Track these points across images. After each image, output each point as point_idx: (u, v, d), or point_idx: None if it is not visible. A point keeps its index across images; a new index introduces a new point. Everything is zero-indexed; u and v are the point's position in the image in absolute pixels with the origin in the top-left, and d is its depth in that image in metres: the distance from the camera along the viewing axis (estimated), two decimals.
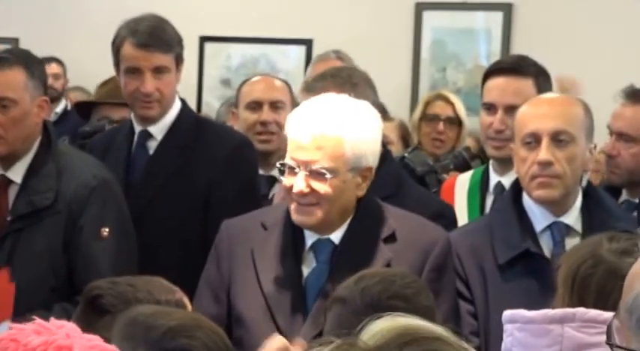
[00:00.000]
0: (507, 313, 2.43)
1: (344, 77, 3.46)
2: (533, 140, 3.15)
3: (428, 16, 7.21)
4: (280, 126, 4.24)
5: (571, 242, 3.13)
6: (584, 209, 3.22)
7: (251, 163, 3.92)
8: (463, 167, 4.45)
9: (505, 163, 3.63)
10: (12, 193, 3.54)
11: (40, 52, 3.87)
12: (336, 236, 2.97)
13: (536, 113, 3.20)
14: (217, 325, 2.21)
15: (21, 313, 2.12)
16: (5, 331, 1.88)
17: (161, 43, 3.79)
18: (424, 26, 7.23)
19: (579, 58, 6.22)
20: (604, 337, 1.70)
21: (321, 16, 7.35)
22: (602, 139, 4.12)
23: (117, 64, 3.88)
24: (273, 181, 4.24)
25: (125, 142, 3.92)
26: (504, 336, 2.43)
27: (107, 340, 1.95)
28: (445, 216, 3.44)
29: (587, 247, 2.51)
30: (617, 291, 1.69)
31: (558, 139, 3.15)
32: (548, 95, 3.42)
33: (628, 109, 3.98)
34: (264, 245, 3.00)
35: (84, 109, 4.99)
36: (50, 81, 7.28)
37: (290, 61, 7.49)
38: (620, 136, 3.95)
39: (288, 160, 2.91)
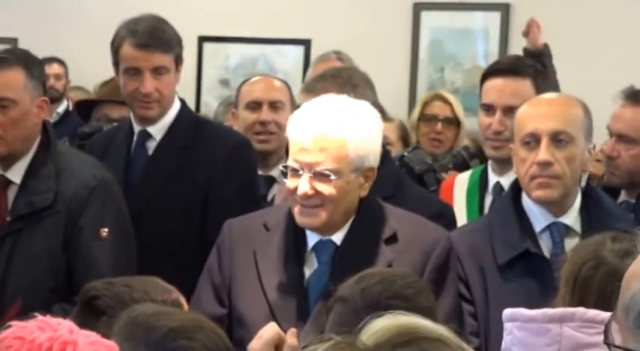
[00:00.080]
0: (507, 312, 2.43)
1: (344, 78, 3.46)
2: (533, 140, 3.16)
3: (426, 16, 7.21)
4: (279, 126, 4.25)
5: (570, 242, 3.13)
6: (583, 209, 3.23)
7: (250, 163, 3.92)
8: (462, 166, 4.45)
9: (504, 164, 3.64)
10: (11, 193, 3.53)
11: (39, 52, 3.86)
12: (337, 237, 2.97)
13: (536, 113, 3.21)
14: (218, 326, 2.21)
15: (20, 314, 2.12)
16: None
17: (161, 44, 3.80)
18: (422, 26, 7.23)
19: (577, 59, 6.22)
20: (602, 337, 1.71)
21: (319, 17, 7.35)
22: (601, 139, 4.13)
23: (116, 64, 3.88)
24: (272, 181, 4.24)
25: (124, 142, 3.92)
26: (504, 334, 2.44)
27: (105, 338, 1.96)
28: (445, 216, 3.45)
29: (590, 246, 2.52)
30: (618, 293, 1.69)
31: (557, 139, 3.15)
32: (547, 96, 3.42)
33: (628, 111, 3.97)
34: (266, 246, 3.00)
35: (84, 108, 4.99)
36: (52, 81, 7.32)
37: (288, 61, 7.49)
38: (620, 137, 3.95)
39: (291, 163, 2.91)
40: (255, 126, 4.29)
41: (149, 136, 3.88)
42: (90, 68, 6.89)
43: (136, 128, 3.90)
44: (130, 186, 3.82)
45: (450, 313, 2.94)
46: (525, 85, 3.71)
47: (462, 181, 3.93)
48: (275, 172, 4.21)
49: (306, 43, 7.39)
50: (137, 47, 3.78)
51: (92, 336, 1.87)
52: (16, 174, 3.54)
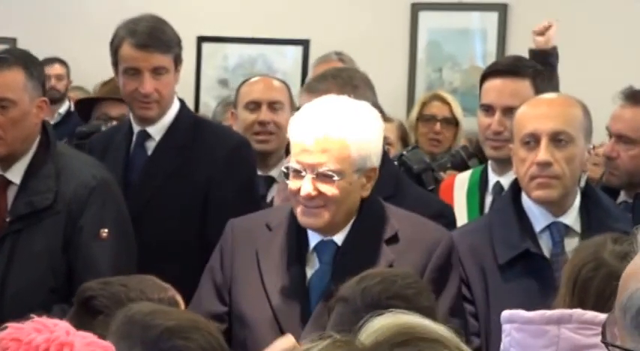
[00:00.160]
0: (506, 313, 2.44)
1: (345, 78, 3.47)
2: (532, 140, 3.16)
3: (424, 16, 7.22)
4: (279, 126, 4.25)
5: (570, 242, 3.14)
6: (583, 209, 3.23)
7: (250, 163, 3.92)
8: (461, 166, 4.45)
9: (504, 164, 3.64)
10: (11, 193, 3.53)
11: (38, 52, 3.86)
12: (338, 237, 2.97)
13: (535, 114, 3.21)
14: (218, 324, 2.21)
15: (20, 314, 2.11)
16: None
17: (160, 44, 3.80)
18: (420, 27, 7.24)
19: (575, 59, 6.21)
20: (600, 339, 1.71)
21: (317, 17, 7.36)
22: (600, 140, 4.13)
23: (115, 64, 3.88)
24: (271, 181, 4.24)
25: (124, 142, 3.92)
26: (503, 336, 2.44)
27: (102, 338, 1.96)
28: (445, 216, 3.45)
29: (590, 248, 2.52)
30: (616, 294, 1.70)
31: (557, 139, 3.16)
32: (547, 96, 3.42)
33: (627, 111, 3.97)
34: (268, 246, 3.00)
35: (84, 108, 4.99)
36: (53, 82, 7.32)
37: (287, 61, 7.50)
38: (619, 138, 3.94)
39: (293, 164, 2.91)
40: (254, 126, 4.29)
41: (148, 136, 3.88)
42: (90, 68, 6.90)
43: (136, 128, 3.90)
44: (130, 186, 3.82)
45: (453, 310, 2.94)
46: (525, 85, 3.71)
47: (462, 181, 3.93)
48: (274, 173, 4.21)
49: (305, 44, 7.40)
50: (136, 47, 3.78)
51: (89, 337, 1.87)
52: (15, 174, 3.53)
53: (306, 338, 2.71)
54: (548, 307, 2.45)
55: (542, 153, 3.13)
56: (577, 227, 3.21)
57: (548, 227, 3.20)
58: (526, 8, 6.93)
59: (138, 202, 3.75)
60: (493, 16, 7.06)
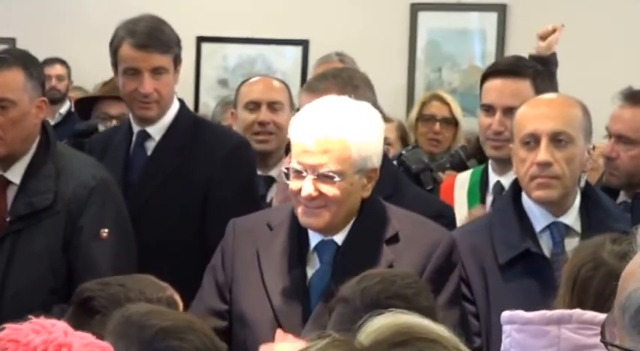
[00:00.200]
0: (506, 314, 2.44)
1: (345, 78, 3.46)
2: (532, 141, 3.16)
3: (423, 16, 7.23)
4: (278, 126, 4.26)
5: (570, 242, 3.14)
6: (583, 209, 3.24)
7: (249, 163, 3.92)
8: (459, 166, 4.46)
9: (504, 163, 3.64)
10: (11, 193, 3.53)
11: (37, 52, 3.86)
12: (339, 237, 2.97)
13: (535, 114, 3.21)
14: (218, 322, 2.21)
15: (20, 314, 2.11)
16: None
17: (159, 44, 3.80)
18: (419, 27, 7.24)
19: (574, 59, 6.21)
20: (600, 338, 1.72)
21: (317, 17, 7.36)
22: (600, 141, 4.12)
23: (115, 64, 3.88)
24: (271, 181, 4.24)
25: (123, 143, 3.92)
26: (503, 337, 2.44)
27: (100, 338, 1.96)
28: (444, 216, 3.45)
29: (589, 248, 2.52)
30: (615, 293, 1.70)
31: (557, 139, 3.16)
32: (546, 96, 3.42)
33: (626, 111, 3.96)
34: (269, 246, 3.00)
35: (84, 107, 4.99)
36: (54, 82, 7.32)
37: (286, 61, 7.51)
38: (619, 138, 3.94)
39: (294, 165, 2.91)
40: (253, 126, 4.29)
41: (148, 136, 3.88)
42: (89, 68, 6.90)
43: (135, 128, 3.90)
44: (129, 186, 3.82)
45: (452, 303, 2.93)
46: (525, 85, 3.71)
47: (462, 181, 3.93)
48: (274, 173, 4.21)
49: (304, 44, 7.40)
50: (136, 48, 3.78)
51: (87, 338, 1.87)
52: (15, 174, 3.53)
53: (305, 337, 2.72)
54: (549, 307, 2.45)
55: (542, 153, 3.13)
56: (577, 227, 3.21)
57: (549, 227, 3.20)
58: (525, 8, 6.93)
59: (137, 202, 3.75)
60: (492, 17, 7.07)
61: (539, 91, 3.66)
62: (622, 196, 4.02)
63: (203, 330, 2.19)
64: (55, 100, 7.13)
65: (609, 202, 3.46)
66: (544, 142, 3.14)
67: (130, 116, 3.94)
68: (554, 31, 4.31)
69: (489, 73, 3.81)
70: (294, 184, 2.92)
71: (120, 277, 2.62)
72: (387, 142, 4.08)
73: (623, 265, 1.71)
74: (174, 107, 3.90)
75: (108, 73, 4.24)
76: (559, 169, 3.15)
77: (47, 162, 3.53)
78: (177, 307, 2.52)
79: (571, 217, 3.22)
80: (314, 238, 2.98)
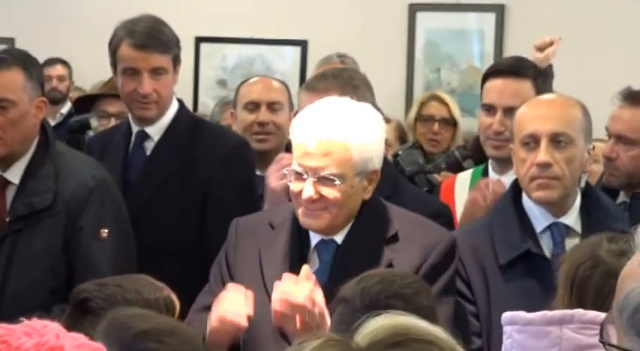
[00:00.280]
0: (506, 315, 2.44)
1: (345, 78, 3.46)
2: (532, 141, 3.17)
3: (421, 17, 7.23)
4: (278, 126, 4.26)
5: (571, 243, 3.14)
6: (583, 210, 3.24)
7: (249, 163, 3.92)
8: (455, 166, 4.46)
9: (504, 163, 3.64)
10: (10, 194, 3.52)
11: (36, 52, 3.85)
12: (339, 237, 2.98)
13: (535, 114, 3.21)
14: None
15: (20, 314, 2.11)
16: None
17: (159, 44, 3.79)
18: (418, 27, 7.25)
19: (573, 59, 6.22)
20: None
21: (316, 18, 7.36)
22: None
23: (114, 64, 3.88)
24: None
25: (122, 143, 3.92)
26: (504, 338, 2.44)
27: (92, 339, 1.95)
28: (443, 215, 3.45)
29: (587, 247, 2.52)
30: (615, 292, 1.70)
31: (557, 140, 3.16)
32: (546, 97, 3.43)
33: (626, 112, 3.96)
34: (270, 245, 3.01)
35: (83, 106, 4.99)
36: (55, 83, 7.32)
37: (285, 61, 7.51)
38: (618, 138, 3.94)
39: (295, 166, 2.91)
40: (253, 126, 4.30)
41: (147, 136, 3.88)
42: (88, 68, 6.90)
43: (134, 128, 3.90)
44: (129, 186, 3.82)
45: (446, 292, 2.93)
46: (526, 85, 3.72)
47: (463, 181, 3.94)
48: None
49: (303, 44, 7.40)
50: (135, 48, 3.78)
51: (79, 339, 1.86)
52: (14, 174, 3.53)
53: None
54: (549, 308, 2.45)
55: (542, 154, 3.13)
56: (578, 228, 3.21)
57: (549, 228, 3.20)
58: (523, 9, 6.94)
59: (137, 202, 3.75)
60: (490, 17, 7.07)
61: (539, 91, 3.67)
62: (622, 197, 4.02)
63: (187, 335, 2.19)
64: (56, 101, 7.13)
65: (609, 203, 3.46)
66: (544, 142, 3.14)
67: (129, 116, 3.94)
68: (551, 43, 4.29)
69: (490, 73, 3.82)
70: (294, 185, 2.91)
71: (117, 277, 2.63)
72: (386, 143, 4.08)
73: (622, 263, 1.72)
74: (174, 107, 3.90)
75: (108, 73, 4.24)
76: (559, 170, 3.15)
77: (46, 162, 3.52)
78: (174, 307, 2.52)
79: (571, 218, 3.22)
80: (314, 238, 2.98)
